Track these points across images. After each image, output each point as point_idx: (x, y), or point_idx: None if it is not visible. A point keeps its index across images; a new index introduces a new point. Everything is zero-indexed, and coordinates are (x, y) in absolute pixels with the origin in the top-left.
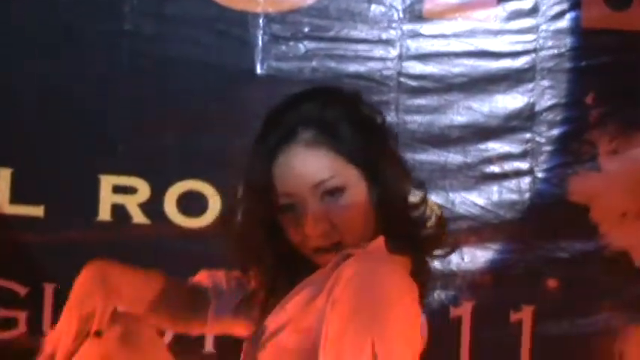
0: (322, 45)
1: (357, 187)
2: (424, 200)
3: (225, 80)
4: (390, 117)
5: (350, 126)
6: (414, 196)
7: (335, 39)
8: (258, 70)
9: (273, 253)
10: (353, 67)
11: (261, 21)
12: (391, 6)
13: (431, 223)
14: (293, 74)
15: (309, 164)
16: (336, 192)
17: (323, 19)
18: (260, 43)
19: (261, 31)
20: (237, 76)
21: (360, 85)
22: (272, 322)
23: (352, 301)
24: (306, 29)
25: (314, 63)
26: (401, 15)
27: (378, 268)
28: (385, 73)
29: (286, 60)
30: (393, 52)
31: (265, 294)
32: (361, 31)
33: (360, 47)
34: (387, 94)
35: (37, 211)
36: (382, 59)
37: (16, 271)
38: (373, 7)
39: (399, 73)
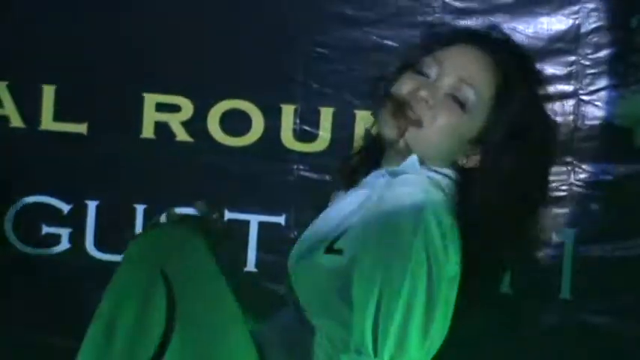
0: None
1: (477, 117)
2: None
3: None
4: None
5: (524, 83)
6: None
7: None
8: None
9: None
10: None
11: None
12: None
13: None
14: None
15: (478, 65)
16: (464, 103)
17: None
18: None
19: None
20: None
21: (403, 5)
22: (309, 235)
23: (374, 236)
24: None
25: None
26: None
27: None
28: None
29: None
30: None
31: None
32: None
33: None
34: (432, 15)
35: (81, 128)
36: None
37: (59, 188)
38: None
39: None
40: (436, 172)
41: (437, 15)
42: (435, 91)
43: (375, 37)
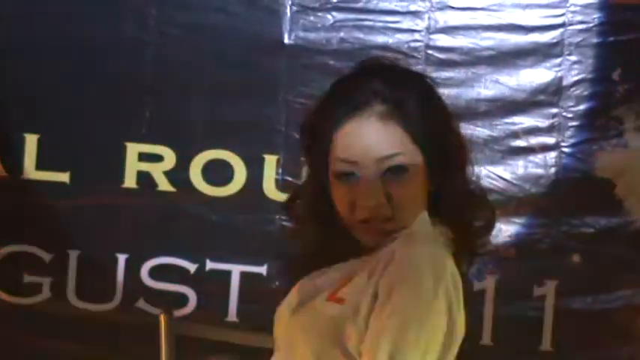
0: (350, 16)
1: (418, 167)
2: (484, 192)
3: (253, 50)
4: None
5: (419, 104)
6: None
7: (363, 10)
8: (286, 40)
9: (319, 218)
10: (381, 39)
11: None
12: None
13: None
14: (321, 44)
15: (380, 137)
16: (399, 170)
17: None
18: (288, 13)
19: (289, 1)
20: (265, 46)
21: (387, 57)
22: (308, 288)
23: (389, 290)
24: (335, 0)
25: (342, 34)
26: None
27: (418, 252)
28: (413, 45)
29: (314, 30)
30: (422, 25)
31: (304, 259)
32: (390, 3)
33: (389, 19)
34: (415, 67)
35: (63, 177)
36: (410, 31)
37: (41, 237)
38: None
39: (427, 46)
40: None
41: (420, 67)
42: (376, 186)
43: None
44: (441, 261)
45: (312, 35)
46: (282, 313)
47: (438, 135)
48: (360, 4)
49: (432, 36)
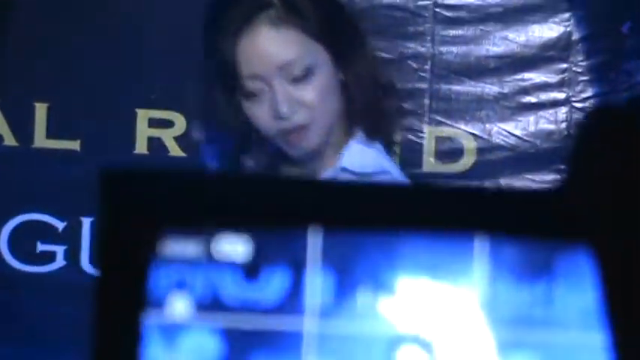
0: None
1: (326, 67)
2: (394, 87)
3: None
4: (426, 48)
5: (313, 1)
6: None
7: None
8: None
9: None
10: None
11: None
12: None
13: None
14: None
15: (277, 43)
16: (306, 73)
17: None
18: None
19: None
20: None
21: (395, 16)
22: None
23: None
24: None
25: None
26: None
27: None
28: (420, 3)
29: None
30: None
31: None
32: None
33: None
34: (423, 25)
35: (74, 145)
36: None
37: (53, 205)
38: None
39: (435, 4)
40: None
41: (428, 25)
42: (286, 94)
43: None
44: None
45: None
46: None
47: (337, 26)
48: None
49: None
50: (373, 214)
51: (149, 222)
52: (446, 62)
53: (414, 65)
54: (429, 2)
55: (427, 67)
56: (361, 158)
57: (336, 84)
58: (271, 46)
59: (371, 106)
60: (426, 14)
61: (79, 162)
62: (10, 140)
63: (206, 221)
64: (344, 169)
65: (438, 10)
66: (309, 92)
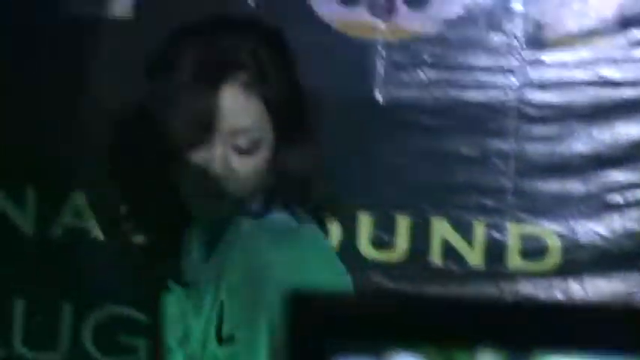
0: (443, 73)
1: (267, 145)
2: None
3: (345, 108)
4: (510, 145)
5: (278, 72)
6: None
7: (456, 67)
8: (378, 98)
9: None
10: (473, 96)
11: (381, 49)
12: (512, 34)
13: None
14: (413, 102)
15: (241, 107)
16: (251, 147)
17: (444, 47)
18: (380, 71)
19: (381, 59)
20: (357, 104)
21: (479, 113)
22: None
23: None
24: (427, 57)
25: (434, 91)
26: (522, 43)
27: None
28: (506, 101)
29: (406, 88)
30: (514, 80)
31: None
32: (482, 60)
33: (481, 75)
34: (508, 123)
35: None
36: (503, 87)
37: (135, 299)
38: (494, 35)
39: (520, 102)
40: None
41: (512, 122)
42: (225, 159)
43: (451, 145)
44: None
45: (404, 93)
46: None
47: (293, 104)
48: (452, 61)
49: (525, 92)
50: (544, 332)
51: (328, 341)
52: (530, 160)
53: (498, 163)
54: (514, 100)
55: (511, 164)
56: None
57: (270, 165)
58: (235, 108)
59: (300, 189)
60: (511, 112)
61: None
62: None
63: (380, 340)
64: None
65: (522, 107)
66: (245, 166)
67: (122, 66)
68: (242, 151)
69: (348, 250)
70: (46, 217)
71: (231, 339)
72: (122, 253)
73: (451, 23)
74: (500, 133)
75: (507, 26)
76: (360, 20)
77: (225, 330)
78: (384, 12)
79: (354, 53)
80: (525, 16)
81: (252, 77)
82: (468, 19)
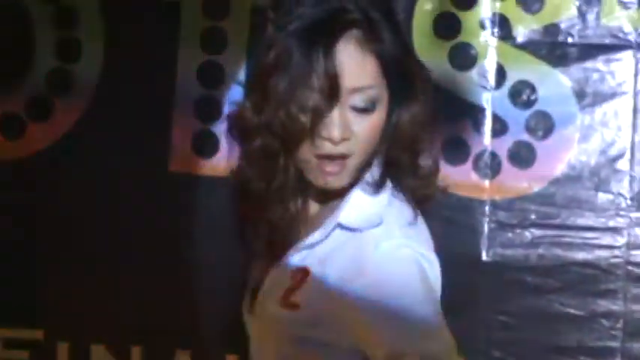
0: (549, 232)
1: (383, 106)
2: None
3: (451, 266)
4: (618, 305)
5: (390, 29)
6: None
7: (562, 226)
8: (484, 257)
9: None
10: (580, 255)
11: (487, 208)
12: (619, 194)
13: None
14: (519, 261)
15: (357, 65)
16: (368, 107)
17: (549, 206)
18: (486, 229)
19: (487, 218)
20: (463, 262)
21: (586, 273)
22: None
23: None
24: (533, 216)
25: (540, 250)
26: (629, 203)
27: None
28: (613, 261)
29: (512, 247)
30: (621, 240)
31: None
32: (588, 219)
33: (588, 235)
34: (615, 283)
35: None
36: (610, 247)
37: None
38: (600, 194)
39: (627, 262)
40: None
41: (620, 283)
42: (345, 120)
43: (557, 305)
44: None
45: (510, 252)
46: (245, 303)
47: (404, 64)
48: (558, 221)
49: (632, 252)
50: None
51: None
52: (638, 321)
53: (606, 323)
54: (620, 260)
55: (619, 325)
56: (359, 212)
57: (384, 127)
58: (352, 66)
59: (409, 158)
60: (618, 272)
61: None
62: None
63: None
64: (340, 225)
65: (630, 267)
66: (363, 126)
67: None
68: (360, 110)
69: None
70: None
71: None
72: None
73: (557, 181)
74: (608, 293)
75: (614, 185)
76: (465, 180)
77: None
78: (489, 171)
79: (461, 212)
80: (632, 175)
81: (366, 34)
82: (574, 177)
